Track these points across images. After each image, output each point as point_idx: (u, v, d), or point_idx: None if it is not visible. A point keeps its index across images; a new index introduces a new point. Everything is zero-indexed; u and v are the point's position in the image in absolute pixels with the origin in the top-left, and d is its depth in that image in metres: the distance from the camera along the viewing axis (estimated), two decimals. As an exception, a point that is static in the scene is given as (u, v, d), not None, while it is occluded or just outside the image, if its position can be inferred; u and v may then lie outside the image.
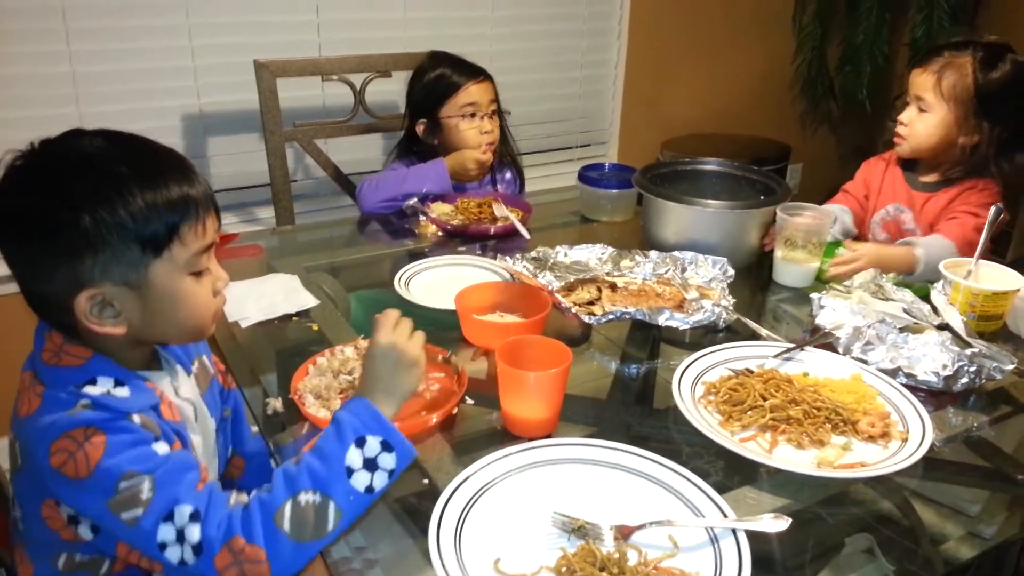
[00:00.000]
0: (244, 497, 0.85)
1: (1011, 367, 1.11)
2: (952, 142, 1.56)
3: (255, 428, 1.20)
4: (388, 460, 0.85)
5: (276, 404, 1.07)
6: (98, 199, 0.80)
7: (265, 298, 1.33)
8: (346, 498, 0.82)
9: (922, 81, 1.56)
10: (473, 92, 1.84)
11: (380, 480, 0.84)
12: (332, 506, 0.81)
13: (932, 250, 1.47)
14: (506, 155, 1.99)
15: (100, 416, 0.81)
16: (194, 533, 0.78)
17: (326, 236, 1.83)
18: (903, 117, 1.60)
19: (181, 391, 0.97)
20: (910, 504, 0.95)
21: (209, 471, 0.93)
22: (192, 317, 0.90)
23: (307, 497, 0.81)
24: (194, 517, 0.79)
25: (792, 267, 1.46)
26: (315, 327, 1.28)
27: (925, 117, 1.56)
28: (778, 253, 1.48)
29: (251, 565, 0.78)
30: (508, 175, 1.99)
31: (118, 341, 0.87)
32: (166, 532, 0.78)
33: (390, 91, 2.22)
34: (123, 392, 0.85)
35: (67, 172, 0.82)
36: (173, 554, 0.78)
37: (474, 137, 1.84)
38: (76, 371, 0.85)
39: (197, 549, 0.78)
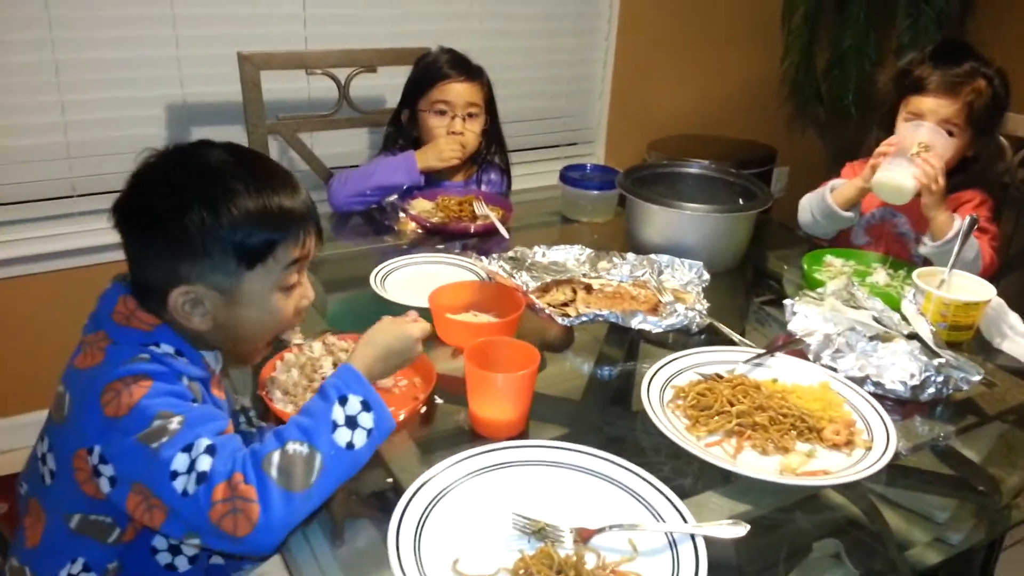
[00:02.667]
0: None
1: (978, 378, 1.12)
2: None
3: None
4: (367, 419, 0.88)
5: (244, 400, 1.06)
6: (208, 207, 0.86)
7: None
8: (329, 452, 0.84)
9: (951, 113, 1.52)
10: (449, 90, 1.80)
11: (359, 439, 0.86)
12: (319, 458, 0.83)
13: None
14: (493, 157, 1.96)
15: (155, 368, 0.86)
16: (204, 463, 0.81)
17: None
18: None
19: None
20: (877, 510, 0.96)
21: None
22: (271, 330, 0.97)
23: (295, 447, 0.83)
24: (209, 450, 0.82)
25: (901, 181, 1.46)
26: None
27: (952, 142, 1.52)
28: (890, 165, 1.47)
29: (243, 502, 0.79)
30: (493, 176, 1.96)
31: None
32: (180, 461, 0.80)
33: (375, 86, 2.21)
34: (182, 360, 0.91)
35: (187, 177, 0.89)
36: (180, 483, 0.80)
37: (440, 136, 1.81)
38: (143, 334, 0.90)
39: (201, 478, 0.80)
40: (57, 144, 2.04)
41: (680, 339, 1.28)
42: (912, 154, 1.46)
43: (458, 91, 1.81)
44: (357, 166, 1.91)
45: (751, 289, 1.52)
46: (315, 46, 2.26)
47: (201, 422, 0.84)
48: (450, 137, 1.79)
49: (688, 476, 0.97)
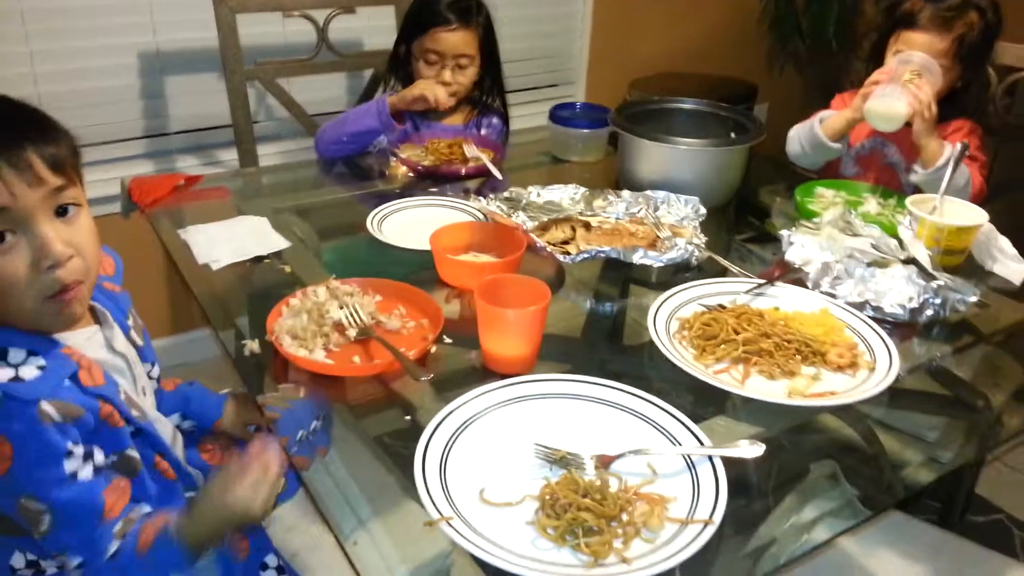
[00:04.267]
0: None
1: (974, 299, 1.15)
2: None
3: None
4: None
5: (253, 346, 1.06)
6: None
7: (235, 240, 1.31)
8: None
9: (942, 49, 1.51)
10: (441, 39, 1.73)
11: None
12: None
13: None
14: (493, 102, 1.91)
15: (6, 417, 0.77)
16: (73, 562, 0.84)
17: (292, 178, 1.80)
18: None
19: (116, 344, 0.94)
20: (873, 432, 0.98)
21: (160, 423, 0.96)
22: (7, 295, 0.80)
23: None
24: (79, 566, 0.84)
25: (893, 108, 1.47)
26: (288, 269, 1.27)
27: (943, 73, 1.51)
28: (883, 92, 1.48)
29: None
30: (495, 120, 1.90)
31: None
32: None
33: (354, 28, 2.17)
34: (35, 368, 0.80)
35: None
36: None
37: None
38: None
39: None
40: (28, 96, 1.94)
41: (669, 276, 1.27)
42: (905, 81, 1.47)
43: (450, 41, 1.73)
44: (339, 113, 1.88)
45: (732, 227, 1.53)
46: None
47: (71, 525, 0.82)
48: (429, 80, 1.74)
49: (696, 403, 0.98)
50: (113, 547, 0.85)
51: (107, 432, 0.87)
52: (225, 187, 1.60)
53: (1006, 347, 1.18)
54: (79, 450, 0.82)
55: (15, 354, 0.81)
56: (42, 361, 0.81)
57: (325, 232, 1.47)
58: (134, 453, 0.91)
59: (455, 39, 1.74)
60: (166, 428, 1.04)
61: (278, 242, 1.33)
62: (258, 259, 1.29)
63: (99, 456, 0.85)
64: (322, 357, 1.02)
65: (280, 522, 1.16)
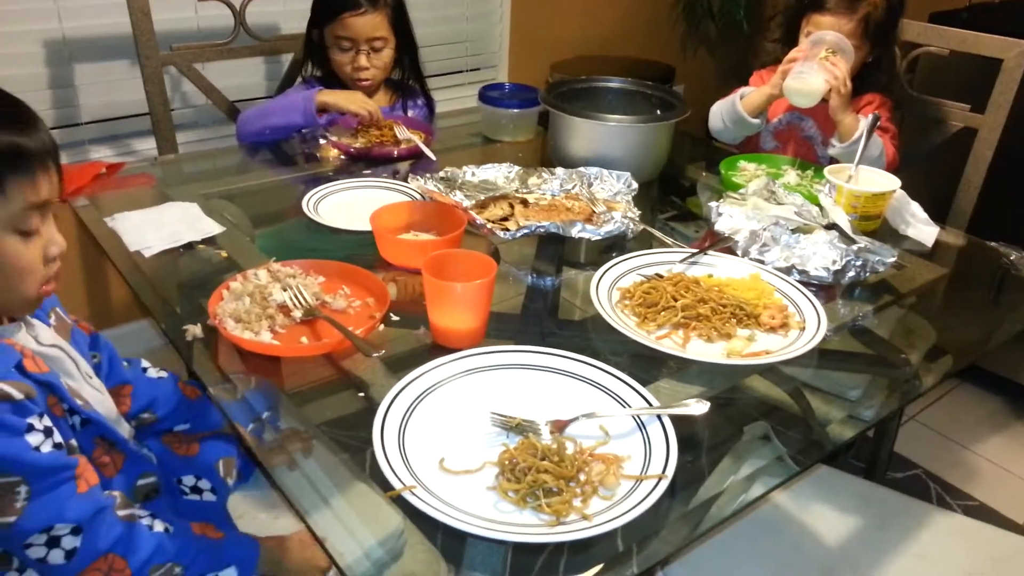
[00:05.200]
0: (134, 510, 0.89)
1: (892, 259, 1.22)
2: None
3: (147, 365, 1.19)
4: None
5: (196, 331, 1.04)
6: None
7: (166, 227, 1.28)
8: None
9: (850, 29, 1.58)
10: (349, 25, 1.71)
11: None
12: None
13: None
14: (413, 84, 1.91)
15: None
16: (70, 542, 0.81)
17: (216, 164, 1.76)
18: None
19: (42, 338, 0.93)
20: (800, 392, 1.04)
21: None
22: (12, 280, 0.84)
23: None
24: (75, 531, 0.82)
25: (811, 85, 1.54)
26: (224, 254, 1.25)
27: (853, 50, 1.58)
28: (800, 70, 1.55)
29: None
30: (419, 101, 1.92)
31: None
32: (37, 539, 0.81)
33: (272, 12, 2.12)
34: None
35: None
36: (34, 552, 0.80)
37: (346, 71, 1.77)
38: None
39: (70, 554, 0.82)
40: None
41: (599, 255, 1.30)
42: (821, 59, 1.54)
43: (359, 26, 1.72)
44: (260, 99, 1.84)
45: (657, 204, 1.57)
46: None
47: (50, 492, 0.81)
48: (367, 101, 1.72)
49: (640, 368, 1.02)
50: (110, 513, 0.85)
51: (52, 419, 0.85)
52: (150, 174, 1.55)
53: (919, 307, 1.26)
54: (41, 423, 0.82)
55: None
56: None
57: (258, 217, 1.44)
58: (75, 444, 0.89)
59: (365, 23, 1.73)
60: (121, 427, 1.03)
61: (211, 227, 1.30)
62: (191, 245, 1.26)
63: (57, 436, 0.84)
64: (269, 339, 1.01)
65: (232, 510, 1.14)
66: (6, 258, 0.82)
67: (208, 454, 1.16)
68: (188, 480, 1.12)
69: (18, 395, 0.79)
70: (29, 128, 0.82)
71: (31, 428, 0.81)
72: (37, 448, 0.80)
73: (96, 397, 0.98)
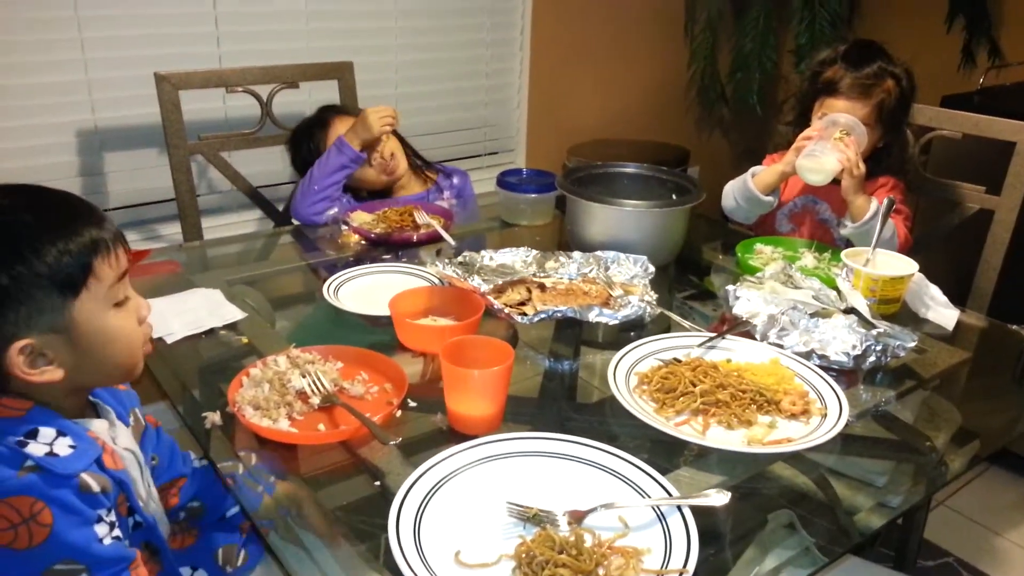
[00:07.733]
0: None
1: (913, 344, 1.21)
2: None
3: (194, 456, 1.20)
4: None
5: (214, 418, 1.04)
6: (11, 255, 0.81)
7: (189, 313, 1.30)
8: None
9: (864, 114, 1.61)
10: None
11: None
12: None
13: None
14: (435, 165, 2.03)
15: (47, 487, 0.80)
16: None
17: (240, 250, 1.79)
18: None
19: (119, 440, 0.96)
20: (826, 479, 1.01)
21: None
22: (123, 350, 0.91)
23: None
24: None
25: (824, 163, 1.55)
26: (245, 340, 1.26)
27: (867, 134, 1.61)
28: (813, 148, 1.57)
29: None
30: (455, 180, 2.01)
31: (56, 390, 0.87)
32: None
33: (297, 102, 2.19)
34: (66, 447, 0.84)
35: None
36: None
37: (379, 162, 1.90)
38: (17, 422, 0.83)
39: None
40: (-38, 175, 1.93)
41: (616, 336, 1.30)
42: (835, 139, 1.56)
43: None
44: (283, 184, 1.93)
45: (674, 285, 1.58)
46: (229, 64, 2.21)
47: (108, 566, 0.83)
48: (376, 108, 1.81)
49: (659, 456, 1.00)
50: None
51: (116, 516, 0.88)
52: (175, 261, 1.59)
53: (943, 391, 1.24)
54: (109, 518, 0.85)
55: (46, 433, 0.84)
56: (71, 441, 0.85)
57: (279, 302, 1.47)
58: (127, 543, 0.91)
59: None
60: (164, 527, 1.04)
61: (233, 313, 1.32)
62: (213, 331, 1.27)
63: (117, 531, 0.86)
64: (286, 426, 1.01)
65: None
66: (114, 331, 0.89)
67: (210, 542, 1.16)
68: (185, 572, 1.11)
69: (96, 487, 0.83)
70: (101, 218, 0.89)
71: (100, 520, 0.84)
72: (101, 540, 0.83)
73: (150, 502, 1.00)
